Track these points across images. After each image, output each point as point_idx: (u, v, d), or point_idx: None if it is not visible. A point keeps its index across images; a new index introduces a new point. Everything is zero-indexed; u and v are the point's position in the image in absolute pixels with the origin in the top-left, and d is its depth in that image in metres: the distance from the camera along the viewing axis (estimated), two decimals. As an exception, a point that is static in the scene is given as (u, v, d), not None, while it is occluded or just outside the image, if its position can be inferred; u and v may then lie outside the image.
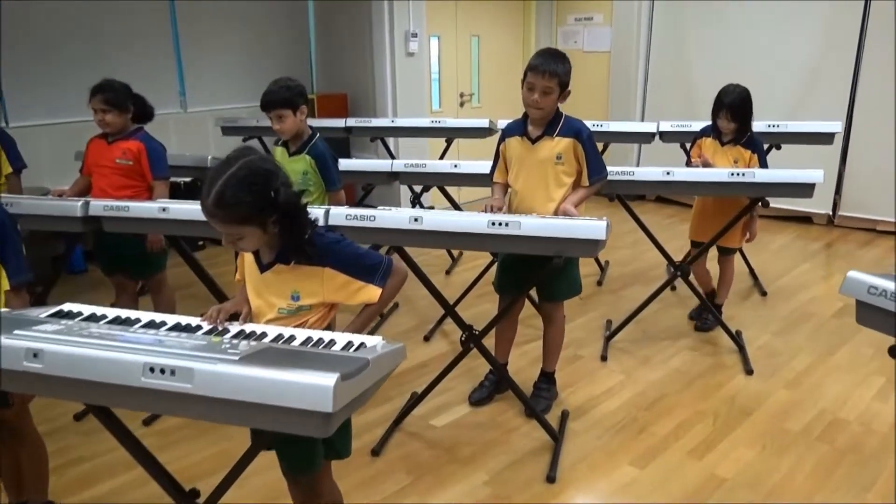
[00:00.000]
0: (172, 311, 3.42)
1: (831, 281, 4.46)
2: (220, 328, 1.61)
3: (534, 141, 2.66)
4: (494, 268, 2.98)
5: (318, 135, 3.02)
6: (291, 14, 6.02)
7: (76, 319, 1.61)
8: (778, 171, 3.04)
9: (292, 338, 1.54)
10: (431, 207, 5.88)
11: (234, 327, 1.62)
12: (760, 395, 3.04)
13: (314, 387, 1.21)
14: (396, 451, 2.67)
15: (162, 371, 1.29)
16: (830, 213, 5.63)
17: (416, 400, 2.90)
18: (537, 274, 2.58)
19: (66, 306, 1.68)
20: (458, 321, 2.68)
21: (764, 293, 4.22)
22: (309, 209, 1.65)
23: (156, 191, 3.08)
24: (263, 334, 1.57)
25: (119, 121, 3.00)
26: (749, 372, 3.22)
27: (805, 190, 3.04)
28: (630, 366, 3.33)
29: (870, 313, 1.64)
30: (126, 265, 3.18)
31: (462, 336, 2.67)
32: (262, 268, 1.67)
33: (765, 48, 5.66)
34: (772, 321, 3.82)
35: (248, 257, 1.71)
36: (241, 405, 1.25)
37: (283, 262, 1.64)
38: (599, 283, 4.45)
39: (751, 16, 5.72)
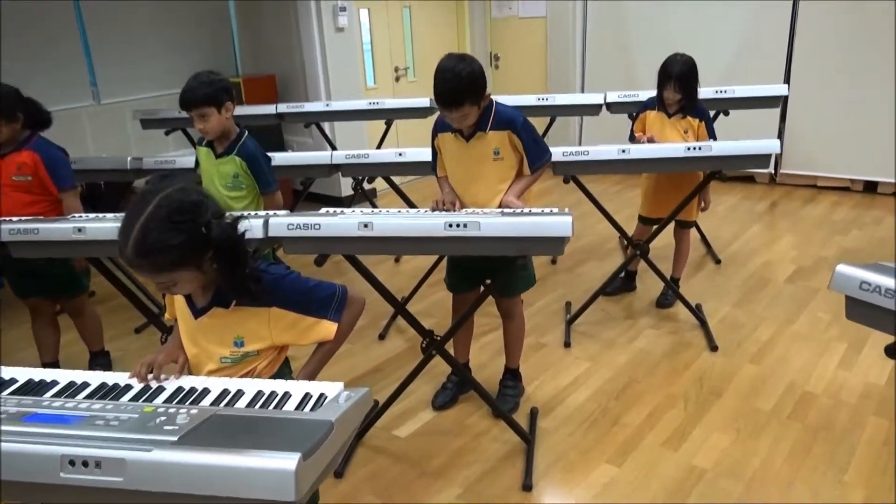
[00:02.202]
0: (99, 336, 3.16)
1: (781, 243, 4.48)
2: (152, 386, 1.39)
3: (468, 138, 2.48)
4: (446, 260, 2.81)
5: (247, 133, 2.77)
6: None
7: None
8: (734, 143, 2.96)
9: (239, 394, 1.34)
10: (374, 191, 5.67)
11: (170, 384, 1.41)
12: (727, 372, 3.00)
13: (272, 472, 1.02)
14: (361, 469, 2.51)
15: (85, 464, 1.07)
16: (772, 171, 5.68)
17: (377, 411, 2.73)
18: (495, 272, 2.43)
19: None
20: (415, 325, 2.52)
21: (718, 261, 4.21)
22: (247, 233, 1.43)
23: (64, 203, 2.75)
24: (205, 392, 1.36)
25: (7, 131, 2.64)
26: (713, 349, 3.18)
27: (762, 160, 2.99)
28: (595, 351, 3.24)
29: (863, 310, 1.54)
30: (41, 287, 2.87)
31: (422, 343, 2.51)
32: (197, 312, 1.45)
33: (702, 10, 5.60)
34: (729, 291, 3.81)
35: (179, 298, 1.49)
36: (186, 498, 1.06)
37: (221, 305, 1.43)
38: (553, 261, 4.35)
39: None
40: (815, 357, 3.09)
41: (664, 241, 3.61)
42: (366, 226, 2.19)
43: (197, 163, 2.90)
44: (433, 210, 2.42)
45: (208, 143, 2.78)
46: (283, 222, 2.23)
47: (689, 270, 3.95)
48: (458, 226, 2.14)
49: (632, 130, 3.57)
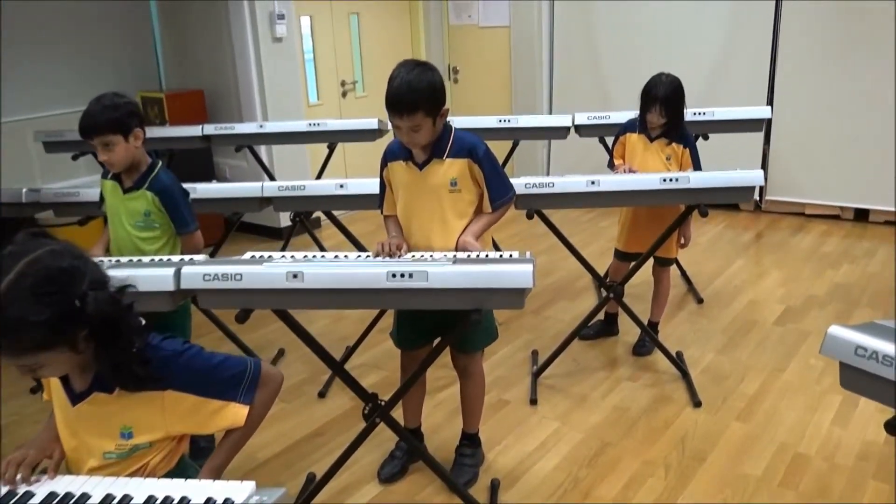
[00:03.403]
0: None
1: (768, 279, 4.51)
2: (19, 492, 1.26)
3: (421, 166, 2.41)
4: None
5: (160, 163, 2.65)
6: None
7: None
8: (714, 174, 2.95)
9: (126, 501, 1.22)
10: (318, 220, 5.55)
11: (42, 487, 1.27)
12: (712, 432, 2.95)
13: None
14: (293, 559, 2.37)
15: None
16: (757, 198, 5.74)
17: (314, 486, 2.59)
18: (449, 325, 2.34)
19: None
20: (356, 388, 2.41)
21: (700, 300, 4.21)
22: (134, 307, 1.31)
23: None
24: (84, 498, 1.24)
25: None
26: (697, 404, 3.14)
27: (744, 193, 3.00)
28: (564, 409, 3.17)
29: (860, 379, 1.50)
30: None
31: (365, 408, 2.40)
32: (75, 398, 1.32)
33: (678, 23, 5.68)
34: (713, 335, 3.80)
35: (54, 380, 1.36)
36: None
37: (102, 391, 1.31)
38: (519, 302, 4.27)
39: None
40: (808, 412, 3.06)
41: (642, 276, 3.58)
42: (295, 276, 2.09)
43: (101, 199, 2.77)
44: (376, 255, 2.33)
45: (115, 176, 2.66)
46: (197, 272, 2.11)
47: (668, 311, 3.93)
48: (402, 276, 2.05)
49: (611, 156, 3.55)
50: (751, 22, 5.46)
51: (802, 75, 5.37)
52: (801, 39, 5.34)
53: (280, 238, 5.32)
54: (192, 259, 2.35)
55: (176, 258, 2.42)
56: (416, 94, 2.23)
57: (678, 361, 3.41)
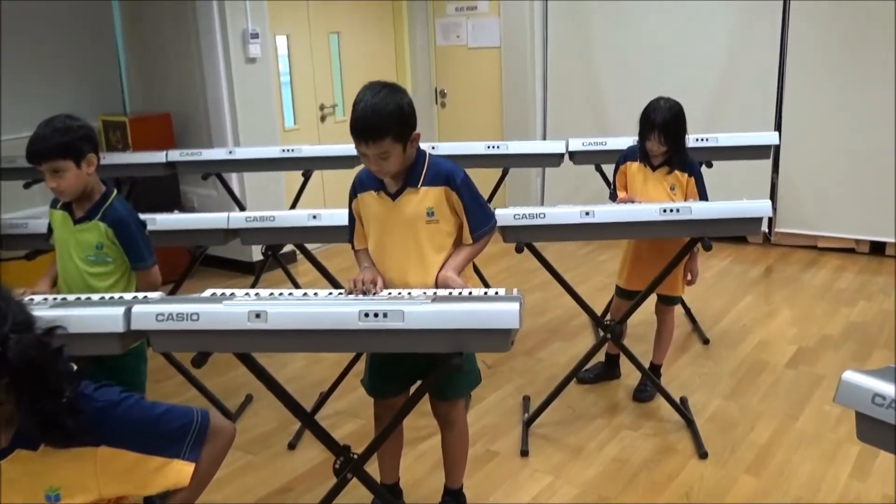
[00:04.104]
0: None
1: (779, 318, 4.48)
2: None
3: (394, 196, 2.37)
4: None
5: (115, 192, 2.62)
6: (92, 11, 5.45)
7: None
8: (719, 204, 2.94)
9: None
10: (293, 254, 5.49)
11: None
12: (720, 487, 2.89)
13: None
14: None
15: None
16: (766, 229, 5.74)
17: (279, 549, 2.51)
18: (426, 372, 2.29)
19: None
20: (326, 440, 2.34)
21: (706, 341, 4.17)
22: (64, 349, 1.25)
23: None
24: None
25: None
26: (703, 455, 3.08)
27: (751, 225, 2.99)
28: (558, 461, 3.11)
29: (878, 430, 1.45)
30: None
31: (336, 462, 2.33)
32: (-6, 455, 1.26)
33: (680, 43, 5.73)
34: (720, 379, 3.75)
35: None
36: None
37: (26, 447, 1.24)
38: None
39: (663, 4, 5.77)
40: (824, 464, 3.01)
41: (643, 315, 3.54)
42: (258, 316, 2.04)
43: (50, 230, 2.71)
44: (348, 293, 2.28)
45: (65, 206, 2.61)
46: (150, 312, 2.05)
47: (672, 353, 3.87)
48: (376, 315, 2.00)
49: (613, 186, 3.54)
50: (756, 41, 5.51)
51: (812, 98, 5.40)
52: (810, 60, 5.38)
53: (253, 274, 5.26)
54: (146, 297, 2.29)
55: (129, 296, 2.37)
56: (383, 118, 2.20)
57: (682, 408, 3.36)
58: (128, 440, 1.27)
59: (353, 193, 2.48)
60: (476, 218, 2.40)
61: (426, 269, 2.38)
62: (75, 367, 1.26)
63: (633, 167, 3.40)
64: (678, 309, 4.20)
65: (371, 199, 2.42)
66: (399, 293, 2.28)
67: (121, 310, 2.08)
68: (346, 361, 3.65)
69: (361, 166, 2.46)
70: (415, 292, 2.25)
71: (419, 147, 2.38)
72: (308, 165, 4.27)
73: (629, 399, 3.58)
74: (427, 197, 2.35)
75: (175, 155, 4.28)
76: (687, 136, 3.34)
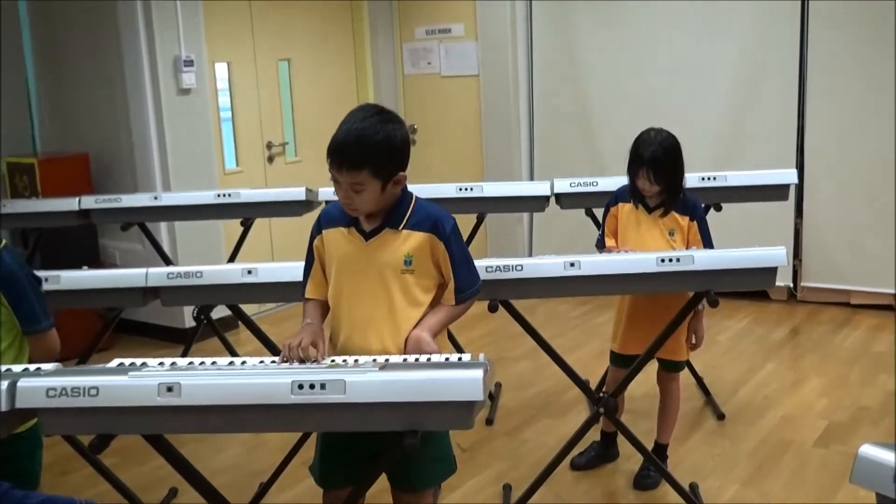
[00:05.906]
0: None
1: (806, 388, 4.50)
2: None
3: (368, 236, 2.37)
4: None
5: (4, 242, 2.58)
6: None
7: None
8: (725, 252, 2.97)
9: None
10: (234, 318, 5.45)
11: None
12: (736, 592, 2.85)
13: None
14: None
15: None
16: (791, 284, 5.78)
17: None
18: (382, 456, 2.25)
19: None
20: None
21: (721, 416, 4.17)
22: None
23: None
24: None
25: None
26: (716, 555, 3.04)
27: (763, 277, 2.99)
28: (543, 563, 3.05)
29: (902, 515, 1.44)
30: None
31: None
32: None
33: (685, 69, 5.85)
34: (737, 461, 3.74)
35: None
36: None
37: None
38: (490, 421, 4.21)
39: (663, 23, 5.90)
40: (860, 562, 2.97)
41: (646, 387, 3.53)
42: (170, 389, 2.00)
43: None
44: (283, 360, 2.25)
45: (-54, 259, 2.57)
46: (39, 386, 2.02)
47: (680, 430, 3.88)
48: (312, 387, 1.97)
49: (602, 231, 3.55)
50: (772, 67, 5.62)
51: (838, 133, 5.50)
52: (833, 89, 5.49)
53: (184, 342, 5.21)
54: (38, 368, 2.25)
55: (18, 368, 2.31)
56: (365, 147, 2.23)
57: (692, 497, 3.33)
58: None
59: (317, 229, 2.48)
60: (463, 277, 2.40)
61: (396, 325, 2.36)
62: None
63: (626, 209, 3.43)
64: (688, 379, 4.21)
65: (339, 237, 2.41)
66: (344, 360, 2.25)
67: (4, 384, 2.03)
68: (291, 445, 3.60)
69: (311, 213, 2.46)
70: (362, 359, 2.22)
71: (406, 188, 2.39)
72: (249, 213, 4.27)
73: (629, 486, 3.56)
74: (407, 242, 2.35)
75: (89, 202, 4.28)
76: (685, 174, 3.37)
